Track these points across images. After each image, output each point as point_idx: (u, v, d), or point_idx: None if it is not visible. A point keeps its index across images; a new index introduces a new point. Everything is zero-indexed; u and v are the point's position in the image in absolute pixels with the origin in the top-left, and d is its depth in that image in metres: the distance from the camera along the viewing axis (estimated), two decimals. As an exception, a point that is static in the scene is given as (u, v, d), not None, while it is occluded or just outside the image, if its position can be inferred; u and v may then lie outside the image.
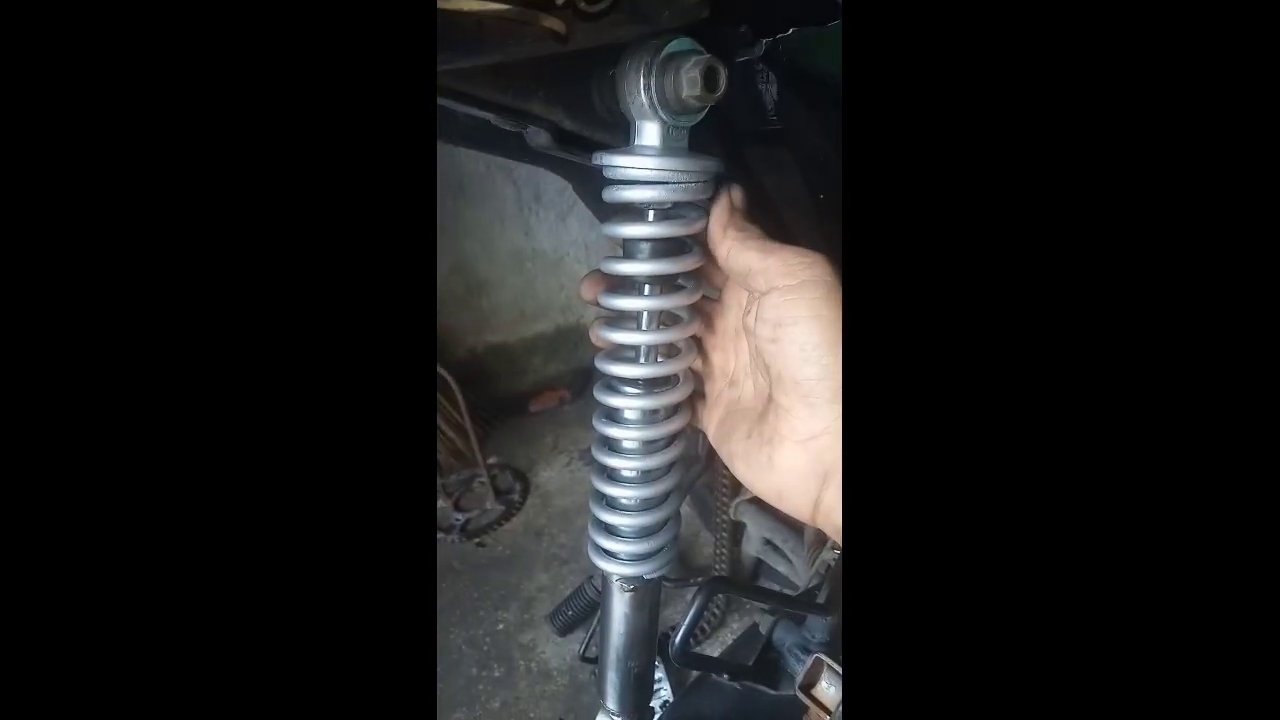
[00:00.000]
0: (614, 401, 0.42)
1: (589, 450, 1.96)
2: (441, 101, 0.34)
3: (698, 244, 0.39)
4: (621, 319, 0.41)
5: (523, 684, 1.42)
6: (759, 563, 1.24)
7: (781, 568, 1.22)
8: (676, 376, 0.43)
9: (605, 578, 0.48)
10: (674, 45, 0.34)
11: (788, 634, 0.61)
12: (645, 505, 0.44)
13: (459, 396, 1.90)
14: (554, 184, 2.18)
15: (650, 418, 0.42)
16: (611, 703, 0.52)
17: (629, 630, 0.49)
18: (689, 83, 0.33)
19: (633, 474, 0.43)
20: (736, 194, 0.38)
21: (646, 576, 0.46)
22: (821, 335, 0.33)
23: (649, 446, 0.43)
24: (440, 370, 1.82)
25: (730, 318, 0.42)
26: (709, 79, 0.33)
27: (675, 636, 0.50)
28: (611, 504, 0.45)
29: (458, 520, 1.91)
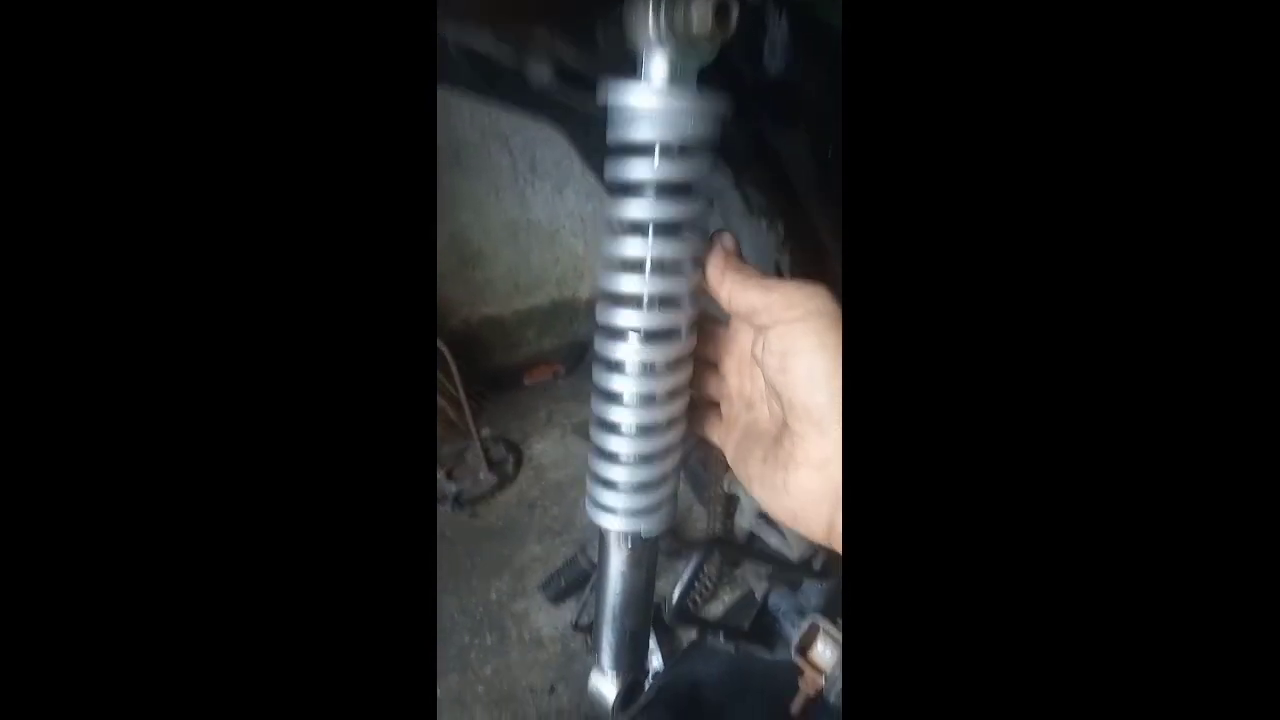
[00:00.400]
0: (616, 352, 0.41)
1: (583, 424, 1.94)
2: (441, 32, 0.32)
3: (701, 190, 0.38)
4: (624, 266, 0.40)
5: (515, 652, 1.43)
6: (752, 536, 1.24)
7: (774, 540, 1.23)
8: (679, 329, 0.42)
9: (603, 535, 0.47)
10: (685, -24, 0.33)
11: (783, 600, 0.61)
12: (645, 459, 0.43)
13: (453, 367, 1.88)
14: (550, 154, 2.14)
15: (652, 369, 0.41)
16: (607, 662, 0.52)
17: (626, 588, 0.48)
18: (699, 19, 0.32)
19: (633, 427, 0.42)
20: (728, 240, 0.40)
21: (644, 533, 0.45)
22: (828, 363, 0.35)
23: (650, 399, 0.42)
24: (440, 348, 1.80)
25: (743, 342, 0.43)
26: (720, 14, 0.32)
27: (672, 595, 0.49)
28: (610, 457, 0.44)
29: (450, 490, 1.90)
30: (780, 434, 0.39)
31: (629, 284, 0.40)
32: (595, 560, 1.63)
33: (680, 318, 0.41)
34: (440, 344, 1.81)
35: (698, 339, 0.44)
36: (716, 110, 0.36)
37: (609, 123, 0.36)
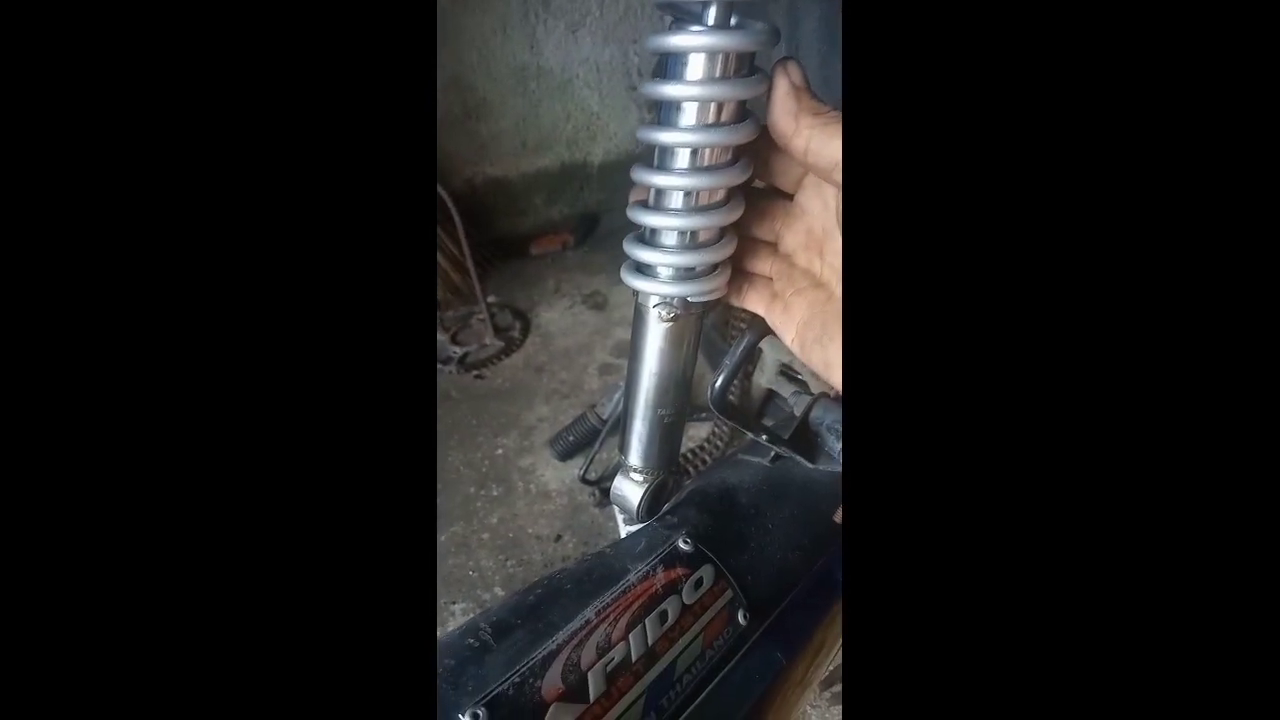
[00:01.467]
0: (669, 90, 0.32)
1: (593, 295, 1.88)
2: None
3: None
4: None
5: (520, 503, 1.44)
6: (770, 396, 1.19)
7: (789, 393, 1.19)
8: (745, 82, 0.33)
9: (638, 308, 0.41)
10: None
11: (826, 412, 0.55)
12: (695, 209, 0.36)
13: (459, 228, 1.78)
14: (565, -13, 1.92)
15: (709, 115, 0.33)
16: (635, 457, 0.48)
17: (663, 369, 0.42)
18: None
19: (682, 169, 0.34)
20: (795, 72, 0.32)
21: (692, 299, 0.38)
22: None
23: (704, 151, 0.34)
24: (440, 192, 1.69)
25: (811, 220, 0.37)
26: None
27: (715, 382, 0.43)
28: (654, 206, 0.36)
29: (455, 353, 1.87)
30: None
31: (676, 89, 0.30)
32: (604, 418, 1.61)
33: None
34: (444, 195, 1.69)
35: (751, 216, 0.38)
36: None
37: None
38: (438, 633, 0.31)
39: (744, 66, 0.32)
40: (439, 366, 1.82)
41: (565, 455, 1.50)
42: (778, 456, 0.54)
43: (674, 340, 0.41)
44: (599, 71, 2.12)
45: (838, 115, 0.31)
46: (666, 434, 0.46)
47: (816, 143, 0.31)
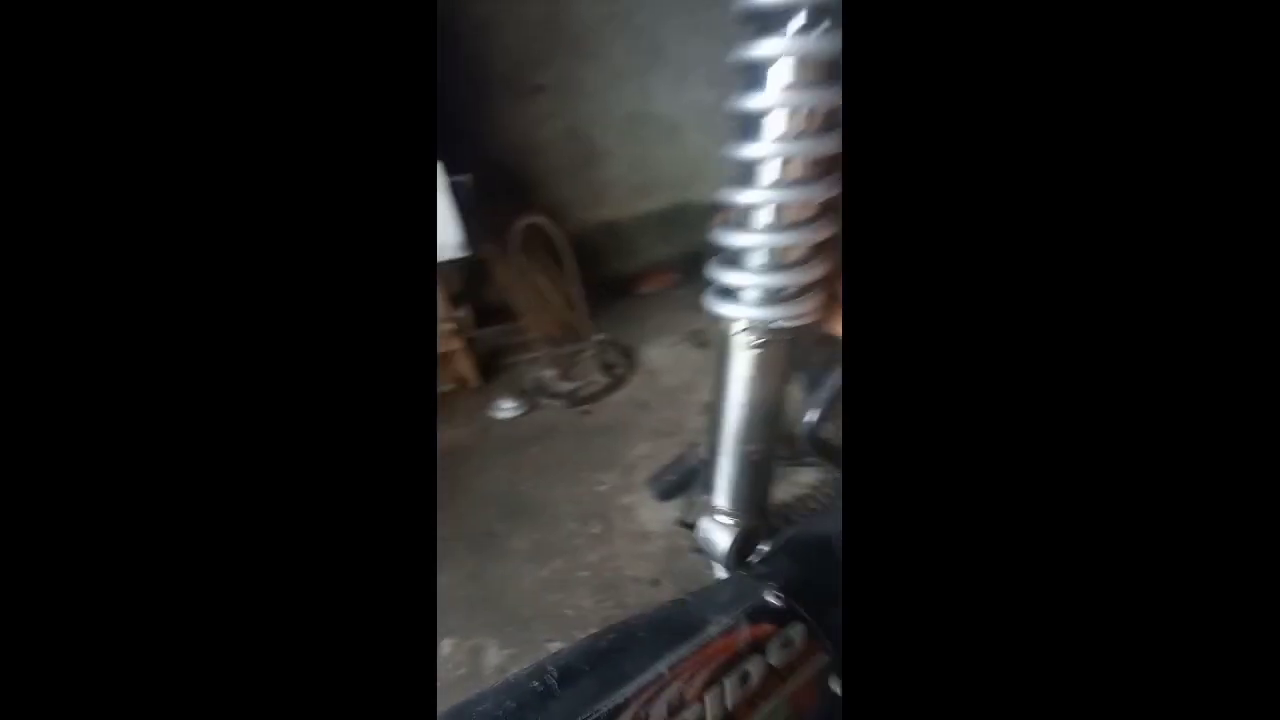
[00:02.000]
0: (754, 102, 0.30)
1: (697, 333, 1.86)
2: None
3: None
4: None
5: (620, 542, 1.42)
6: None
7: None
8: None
9: (724, 334, 0.38)
10: None
11: None
12: (782, 225, 0.33)
13: (571, 267, 1.85)
14: (674, 35, 1.98)
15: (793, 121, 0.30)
16: (722, 499, 0.44)
17: (750, 400, 0.39)
18: None
19: (774, 181, 0.32)
20: None
21: (784, 323, 0.35)
22: None
23: (798, 162, 0.31)
24: (555, 232, 1.76)
25: None
26: None
27: (809, 416, 0.39)
28: (739, 225, 0.34)
29: (564, 388, 1.91)
30: None
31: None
32: (705, 457, 1.55)
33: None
34: (558, 235, 1.77)
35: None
36: None
37: None
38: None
39: (831, 74, 0.30)
40: (549, 401, 1.88)
41: (666, 495, 1.46)
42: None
43: (762, 369, 0.38)
44: (708, 115, 2.14)
45: None
46: (755, 473, 0.42)
47: None
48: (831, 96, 0.30)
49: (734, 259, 0.35)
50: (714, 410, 0.41)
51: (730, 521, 0.45)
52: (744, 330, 0.36)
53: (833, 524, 0.48)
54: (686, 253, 2.39)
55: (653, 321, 2.18)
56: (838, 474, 0.47)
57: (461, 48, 1.82)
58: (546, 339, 2.02)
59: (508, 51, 1.88)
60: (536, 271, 1.99)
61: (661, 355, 2.03)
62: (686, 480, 1.54)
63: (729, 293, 0.36)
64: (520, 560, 1.40)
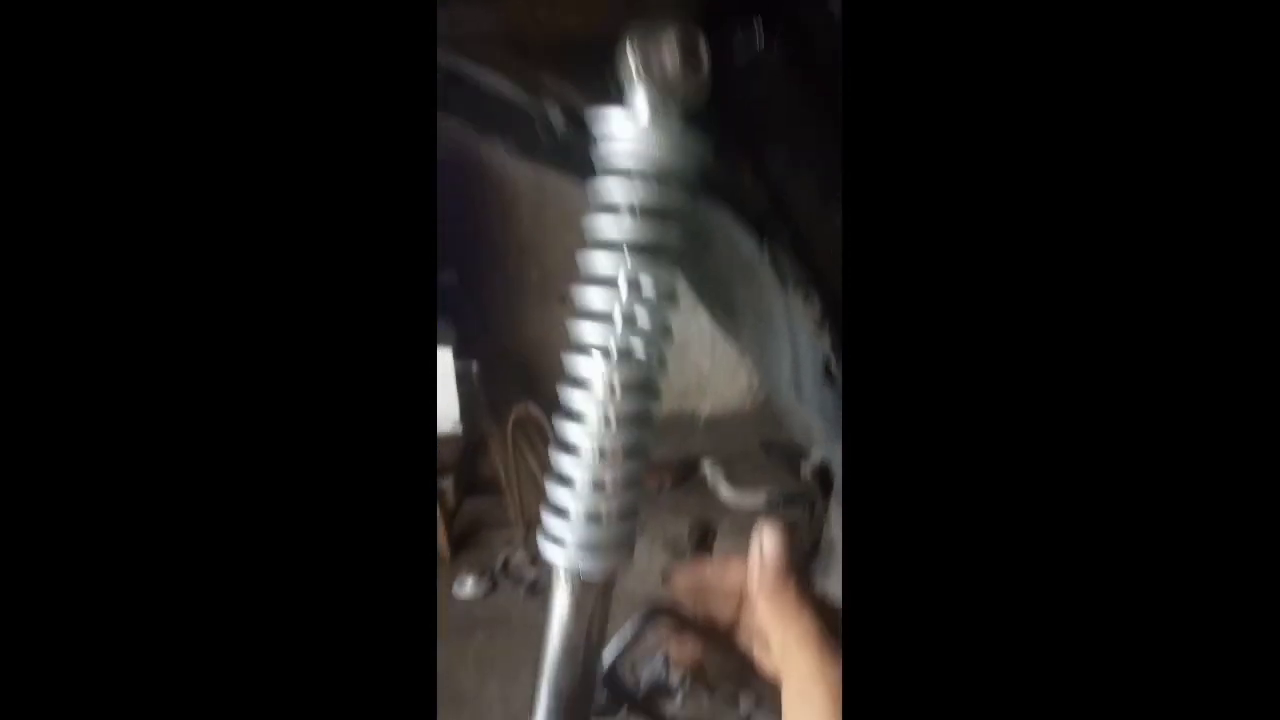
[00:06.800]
0: (581, 369, 0.41)
1: (675, 539, 1.85)
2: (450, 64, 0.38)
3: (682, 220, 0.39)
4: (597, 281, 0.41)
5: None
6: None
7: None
8: (646, 353, 0.42)
9: (546, 576, 0.45)
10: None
11: None
12: (598, 489, 0.42)
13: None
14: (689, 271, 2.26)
15: (615, 391, 0.41)
16: (538, 726, 0.47)
17: (562, 640, 0.45)
18: (669, 59, 0.35)
19: (590, 450, 0.41)
20: (770, 542, 0.38)
21: (582, 573, 0.42)
22: None
23: (611, 422, 0.41)
24: (548, 422, 1.89)
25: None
26: (688, 55, 0.34)
27: (607, 658, 0.45)
28: (564, 481, 0.43)
29: (529, 576, 1.89)
30: None
31: (599, 300, 0.41)
32: (639, 677, 1.48)
33: (649, 344, 0.41)
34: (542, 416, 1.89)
35: (725, 574, 0.44)
36: (699, 147, 0.37)
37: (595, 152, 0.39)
38: None
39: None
40: (512, 586, 1.85)
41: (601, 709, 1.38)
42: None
43: (573, 609, 0.44)
44: (712, 341, 2.37)
45: (798, 598, 0.35)
46: (568, 709, 0.46)
47: (769, 625, 0.36)
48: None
49: (559, 512, 0.44)
50: (538, 646, 0.47)
51: (547, 757, 0.47)
52: (562, 575, 0.43)
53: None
54: (681, 459, 2.48)
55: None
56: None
57: (508, 262, 2.13)
58: (525, 522, 2.05)
59: (543, 264, 2.19)
60: (529, 456, 2.08)
61: (635, 556, 2.01)
62: (612, 701, 1.45)
63: (551, 536, 0.44)
64: (428, 762, 1.30)
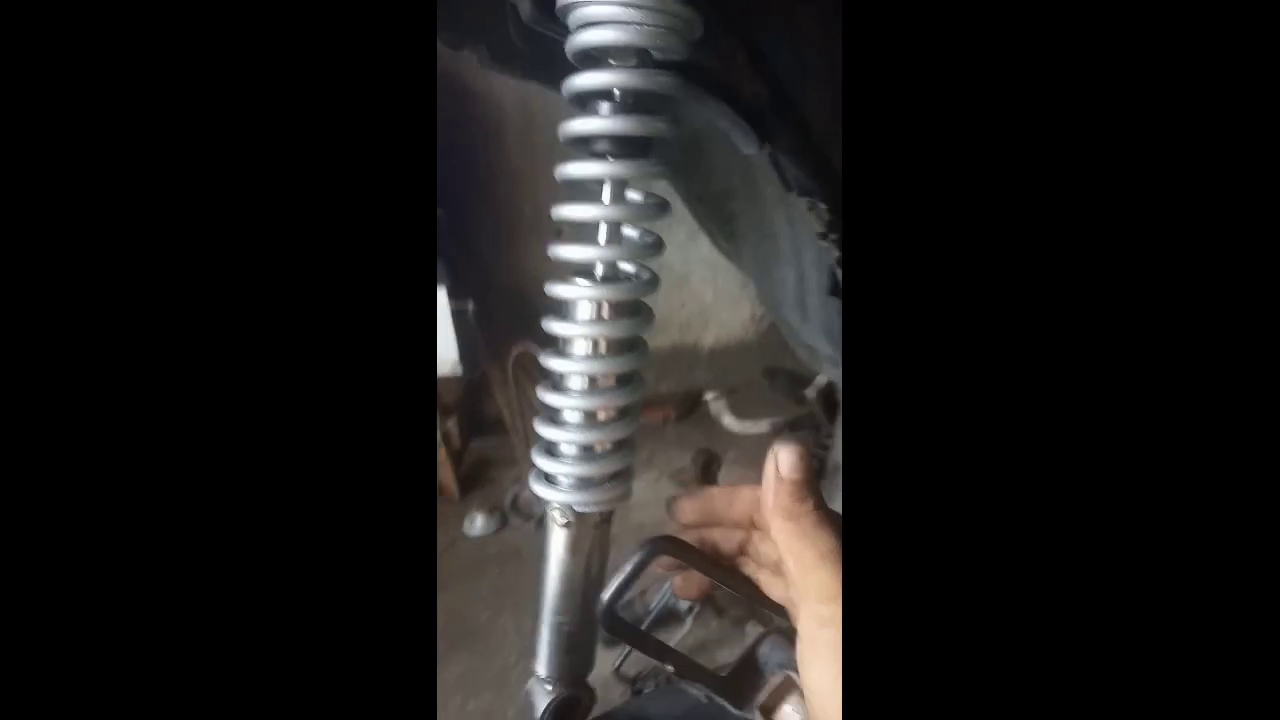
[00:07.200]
0: (568, 293, 0.38)
1: (682, 470, 1.86)
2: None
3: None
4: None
5: (556, 685, 1.37)
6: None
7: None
8: (637, 273, 0.38)
9: (545, 511, 0.43)
10: None
11: (775, 651, 0.51)
12: (589, 421, 0.39)
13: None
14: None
15: (604, 313, 0.37)
16: (541, 667, 0.46)
17: (561, 577, 0.43)
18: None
19: (581, 381, 0.38)
20: (786, 460, 0.35)
21: (579, 508, 0.40)
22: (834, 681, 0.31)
23: (601, 350, 0.38)
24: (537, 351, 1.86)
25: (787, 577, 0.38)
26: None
27: (605, 595, 0.43)
28: (554, 417, 0.40)
29: (538, 511, 1.92)
30: None
31: (580, 212, 0.36)
32: (650, 607, 1.53)
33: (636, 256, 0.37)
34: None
35: (733, 503, 0.41)
36: (684, 21, 0.32)
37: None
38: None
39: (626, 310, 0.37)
40: (521, 522, 1.88)
41: (609, 641, 1.42)
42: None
43: (571, 546, 0.42)
44: (714, 270, 2.31)
45: (817, 516, 0.33)
46: (569, 645, 0.45)
47: (787, 545, 0.34)
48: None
49: (549, 448, 0.41)
50: (537, 583, 0.45)
51: (549, 689, 0.47)
52: (555, 510, 0.41)
53: (654, 704, 0.49)
54: (685, 391, 2.47)
55: (641, 454, 2.21)
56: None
57: (498, 195, 2.05)
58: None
59: (537, 202, 2.11)
60: (531, 393, 2.07)
61: (642, 489, 2.03)
62: (630, 624, 1.49)
63: (546, 477, 0.41)
64: (447, 692, 1.35)
